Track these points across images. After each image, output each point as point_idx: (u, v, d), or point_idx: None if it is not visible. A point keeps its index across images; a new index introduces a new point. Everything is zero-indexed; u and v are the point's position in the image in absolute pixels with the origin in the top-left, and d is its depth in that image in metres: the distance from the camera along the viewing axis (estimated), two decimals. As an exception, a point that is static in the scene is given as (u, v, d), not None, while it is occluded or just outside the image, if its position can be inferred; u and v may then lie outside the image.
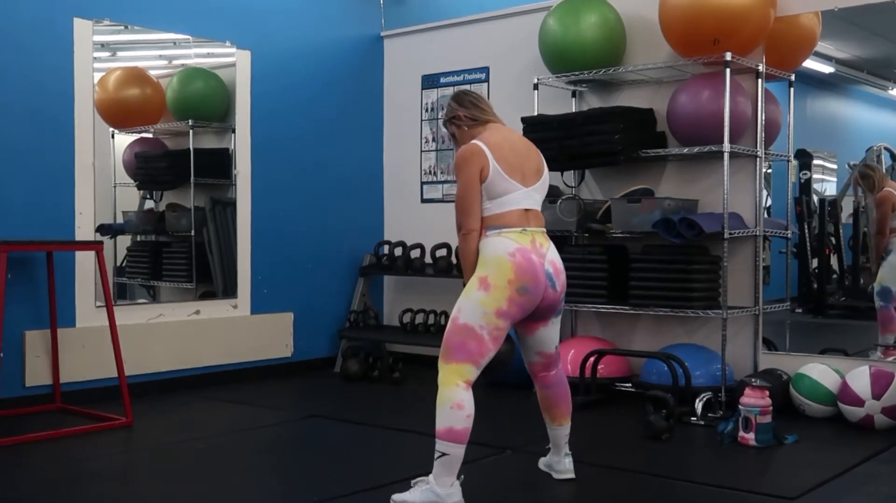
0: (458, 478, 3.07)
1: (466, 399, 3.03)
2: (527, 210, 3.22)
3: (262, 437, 4.33)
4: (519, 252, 3.11)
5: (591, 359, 4.86)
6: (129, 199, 5.47)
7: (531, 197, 3.25)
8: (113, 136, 5.23)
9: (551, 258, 3.22)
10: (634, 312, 5.08)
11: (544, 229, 3.27)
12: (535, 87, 5.38)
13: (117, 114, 5.25)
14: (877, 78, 5.50)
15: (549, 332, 3.34)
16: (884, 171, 5.24)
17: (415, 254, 6.01)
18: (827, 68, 5.35)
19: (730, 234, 4.64)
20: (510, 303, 3.08)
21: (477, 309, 3.08)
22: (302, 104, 6.07)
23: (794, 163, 5.16)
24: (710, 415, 4.46)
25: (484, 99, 3.44)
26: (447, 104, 3.45)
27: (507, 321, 3.12)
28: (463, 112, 3.36)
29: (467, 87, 3.72)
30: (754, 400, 3.96)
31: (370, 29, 6.55)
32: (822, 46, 5.08)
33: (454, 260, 5.64)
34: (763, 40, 4.76)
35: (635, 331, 5.32)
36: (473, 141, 3.23)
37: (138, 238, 5.61)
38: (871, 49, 5.50)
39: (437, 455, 3.03)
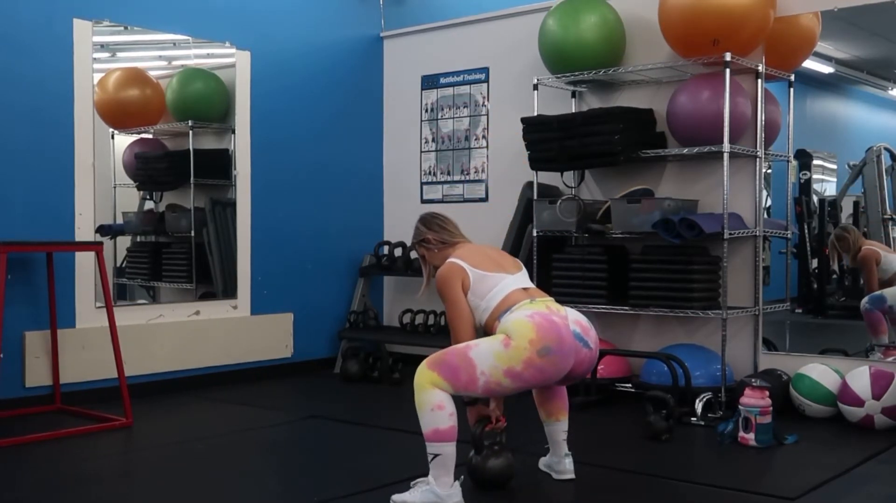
0: (458, 478, 3.07)
1: (444, 399, 3.03)
2: (525, 288, 3.28)
3: (261, 438, 4.33)
4: (537, 314, 3.10)
5: (591, 359, 4.86)
6: (129, 199, 5.47)
7: (521, 280, 3.31)
8: (113, 137, 5.23)
9: (575, 318, 3.21)
10: (634, 313, 5.08)
11: (552, 299, 3.29)
12: (535, 87, 5.38)
13: (117, 114, 5.25)
14: (877, 78, 5.50)
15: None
16: (858, 231, 5.25)
17: (415, 254, 6.01)
18: (827, 68, 5.35)
19: (730, 234, 4.64)
20: (526, 365, 3.02)
21: (490, 358, 3.04)
22: (302, 105, 6.07)
23: (793, 163, 5.16)
24: (710, 415, 4.46)
25: (451, 221, 3.54)
26: (415, 227, 3.54)
27: (517, 384, 3.06)
28: (432, 235, 3.47)
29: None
30: (754, 400, 3.96)
31: (370, 29, 6.56)
32: (822, 47, 5.08)
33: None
34: (763, 41, 4.76)
35: (635, 331, 5.32)
36: (449, 259, 3.32)
37: (138, 239, 5.61)
38: (870, 49, 5.50)
39: (430, 457, 3.04)
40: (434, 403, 3.02)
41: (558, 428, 3.44)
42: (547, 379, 3.11)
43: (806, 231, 5.31)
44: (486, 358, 3.04)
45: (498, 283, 3.24)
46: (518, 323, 3.08)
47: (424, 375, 3.06)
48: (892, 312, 4.92)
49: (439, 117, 6.31)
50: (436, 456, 3.02)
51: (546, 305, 3.18)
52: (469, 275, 3.25)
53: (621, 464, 3.70)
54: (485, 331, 3.27)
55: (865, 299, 4.99)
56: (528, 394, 3.48)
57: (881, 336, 4.90)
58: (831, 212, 5.41)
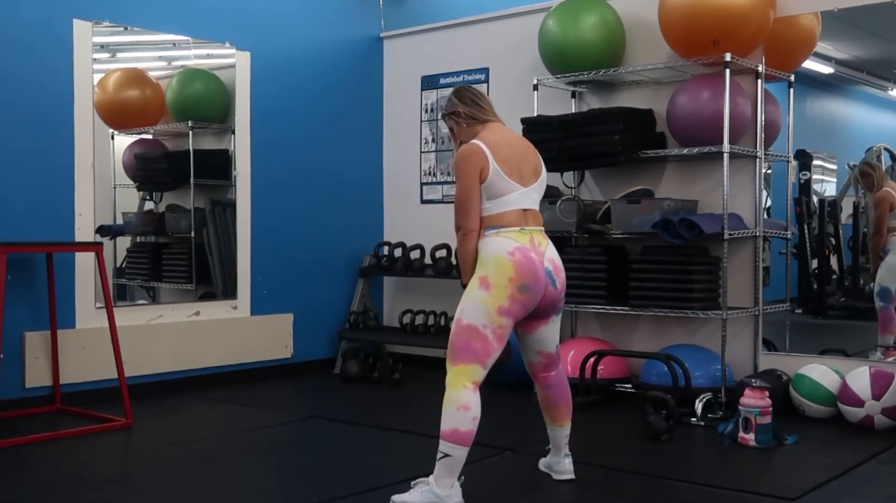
0: (459, 479, 3.07)
1: (473, 401, 3.03)
2: (525, 210, 3.23)
3: (261, 438, 4.33)
4: (518, 251, 3.12)
5: (591, 359, 4.86)
6: (129, 200, 5.47)
7: (529, 197, 3.26)
8: (113, 138, 5.23)
9: (550, 256, 3.22)
10: (634, 313, 5.08)
11: (542, 228, 3.28)
12: (535, 87, 5.39)
13: (117, 115, 5.25)
14: (876, 78, 5.50)
15: (550, 331, 3.34)
16: (884, 169, 5.23)
17: (415, 254, 6.01)
18: (826, 69, 5.35)
19: (729, 234, 4.64)
20: (511, 300, 3.09)
21: (479, 308, 3.08)
22: (302, 105, 6.07)
23: (793, 163, 5.16)
24: (709, 415, 4.46)
25: (485, 97, 3.42)
26: (448, 98, 3.44)
27: (510, 319, 3.12)
28: (463, 109, 3.35)
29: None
30: (754, 400, 3.96)
31: (370, 30, 6.56)
32: (822, 47, 5.08)
33: (454, 261, 5.64)
34: (763, 41, 4.76)
35: (635, 331, 5.32)
36: (473, 140, 3.24)
37: (138, 239, 5.61)
38: (870, 49, 5.50)
39: (439, 456, 3.03)
40: (461, 402, 3.02)
41: (561, 433, 3.44)
42: (526, 310, 3.17)
43: (806, 231, 5.31)
44: (476, 312, 3.08)
45: (505, 194, 3.19)
46: (498, 260, 3.10)
47: (453, 373, 3.08)
48: None
49: (439, 118, 6.30)
50: (446, 456, 3.02)
51: (531, 237, 3.18)
52: (489, 167, 3.17)
53: (621, 465, 3.70)
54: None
55: (877, 298, 4.97)
56: (528, 397, 3.47)
57: (888, 336, 4.90)
58: (831, 212, 5.41)
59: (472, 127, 3.32)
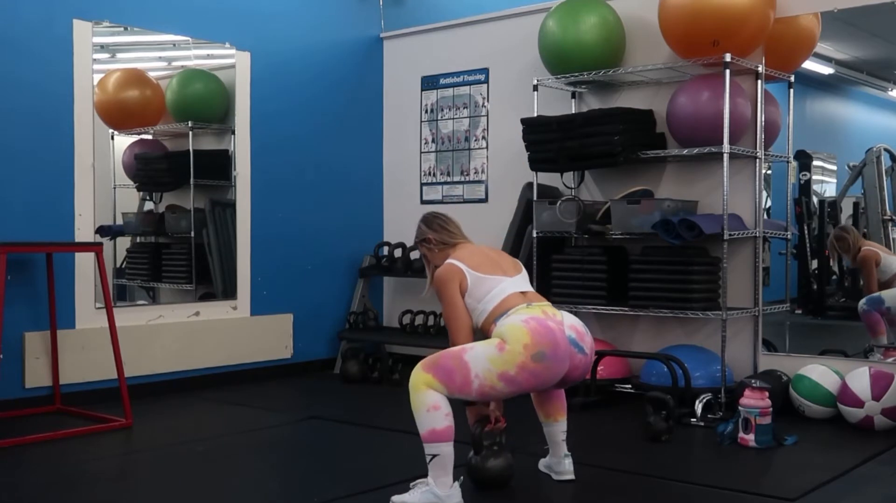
0: (458, 479, 3.07)
1: (440, 399, 3.04)
2: (523, 292, 3.29)
3: (261, 439, 4.33)
4: (533, 319, 3.11)
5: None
6: (129, 200, 5.47)
7: (519, 284, 3.32)
8: (112, 138, 5.23)
9: (571, 323, 3.22)
10: (634, 314, 5.08)
11: (549, 303, 3.29)
12: (535, 88, 5.39)
13: (117, 115, 5.25)
14: (876, 79, 5.50)
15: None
16: (858, 232, 5.25)
17: (414, 255, 6.01)
18: (826, 69, 5.35)
19: (729, 235, 4.64)
20: (520, 370, 3.04)
21: (484, 362, 3.05)
22: (301, 105, 6.07)
23: (793, 164, 5.16)
24: (709, 416, 4.46)
25: (452, 221, 3.55)
26: (417, 227, 3.56)
27: (511, 388, 3.07)
28: (433, 235, 3.48)
29: (435, 209, 3.71)
30: (754, 401, 3.96)
31: (369, 30, 6.56)
32: (822, 47, 5.08)
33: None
34: (763, 41, 4.76)
35: (635, 332, 5.32)
36: (448, 260, 3.33)
37: (138, 239, 5.61)
38: (870, 50, 5.50)
39: (428, 458, 3.04)
40: (429, 404, 3.02)
41: (557, 428, 3.44)
42: (541, 383, 3.12)
43: (806, 232, 5.31)
44: (480, 361, 3.05)
45: (496, 287, 3.25)
46: (513, 327, 3.08)
47: (419, 377, 3.07)
48: (890, 314, 4.92)
49: (439, 118, 6.31)
50: (434, 456, 3.03)
51: (542, 310, 3.19)
52: (467, 277, 3.26)
53: (621, 465, 3.70)
54: (481, 333, 3.28)
55: (863, 300, 4.99)
56: (527, 396, 3.48)
57: (880, 337, 4.90)
58: (831, 213, 5.41)
59: (443, 251, 3.44)
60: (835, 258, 5.33)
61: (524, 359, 3.03)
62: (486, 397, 3.14)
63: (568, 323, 3.20)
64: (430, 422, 3.02)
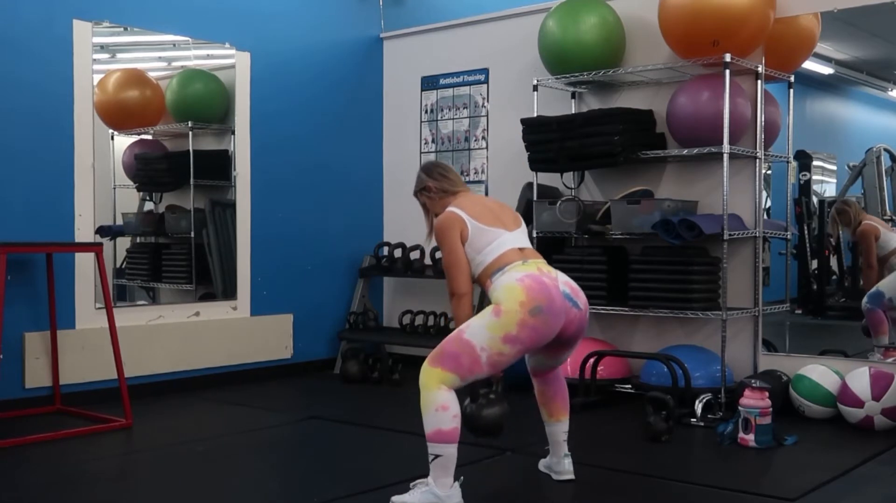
0: (458, 479, 3.07)
1: (450, 399, 3.03)
2: (521, 248, 3.27)
3: (261, 439, 4.33)
4: (527, 277, 3.11)
5: (591, 360, 4.86)
6: (129, 200, 5.47)
7: (519, 239, 3.31)
8: (112, 138, 5.23)
9: (564, 279, 3.22)
10: (634, 314, 5.08)
11: (545, 261, 3.29)
12: (535, 88, 5.39)
13: (117, 115, 5.25)
14: (876, 79, 5.50)
15: (571, 351, 3.37)
16: (860, 205, 5.26)
17: (414, 255, 6.01)
18: (826, 69, 5.36)
19: (729, 235, 4.64)
20: (521, 327, 3.04)
21: (484, 332, 3.05)
22: (301, 106, 6.07)
23: (793, 164, 5.16)
24: (709, 416, 4.46)
25: (452, 170, 3.54)
26: (417, 176, 3.54)
27: (517, 348, 3.07)
28: (433, 184, 3.46)
29: (433, 158, 3.71)
30: (754, 401, 3.96)
31: (369, 30, 6.56)
32: (822, 48, 5.08)
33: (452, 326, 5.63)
34: (762, 41, 4.76)
35: (635, 332, 5.32)
36: (448, 208, 3.32)
37: (138, 240, 5.61)
38: (870, 50, 5.50)
39: (430, 458, 3.04)
40: (439, 403, 3.02)
41: (559, 428, 3.45)
42: (541, 338, 3.10)
43: (805, 232, 5.31)
44: (480, 333, 3.05)
45: (495, 239, 3.24)
46: (508, 288, 3.09)
47: (429, 374, 3.06)
48: (892, 304, 4.91)
49: (439, 118, 6.31)
50: (437, 457, 3.02)
51: (537, 267, 3.19)
52: (468, 226, 3.24)
53: (621, 465, 3.70)
54: (477, 283, 3.29)
55: (865, 299, 4.99)
56: (529, 396, 3.48)
57: (882, 336, 4.90)
58: (831, 213, 5.41)
59: (443, 199, 3.42)
60: (836, 231, 5.31)
61: (523, 316, 3.03)
62: (498, 367, 3.11)
63: (562, 279, 3.21)
64: (437, 423, 3.01)
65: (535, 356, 3.38)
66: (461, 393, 3.10)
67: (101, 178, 5.05)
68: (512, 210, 3.46)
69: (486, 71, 6.09)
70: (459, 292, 3.23)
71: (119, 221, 5.31)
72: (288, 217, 5.98)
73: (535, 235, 5.30)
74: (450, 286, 3.26)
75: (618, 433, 4.33)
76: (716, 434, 4.11)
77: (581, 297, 3.23)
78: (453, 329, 3.21)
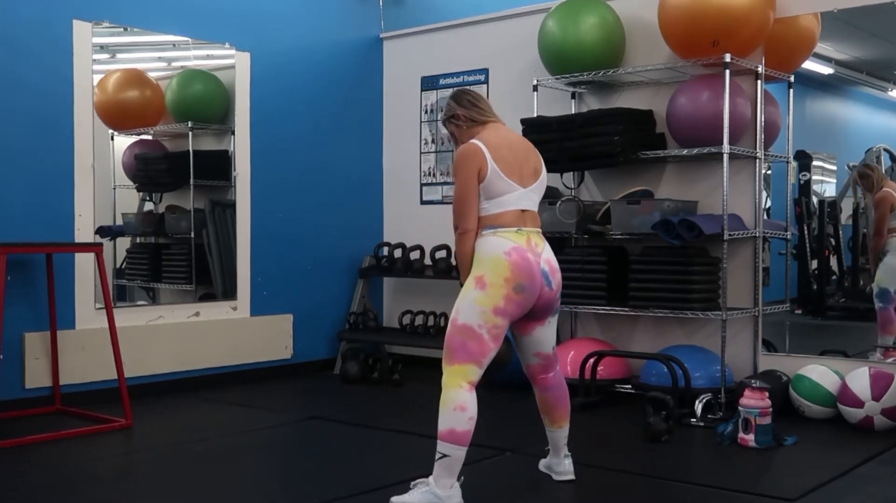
0: (458, 479, 3.07)
1: (469, 401, 3.03)
2: (523, 211, 3.23)
3: (261, 439, 4.33)
4: (515, 251, 3.12)
5: (591, 360, 4.86)
6: (129, 200, 5.47)
7: (528, 197, 3.26)
8: (112, 138, 5.23)
9: (546, 257, 3.22)
10: (634, 314, 5.08)
11: (539, 230, 3.28)
12: (535, 88, 5.39)
13: (117, 116, 5.25)
14: (876, 79, 5.50)
15: (546, 332, 3.34)
16: (883, 171, 5.23)
17: (414, 255, 6.01)
18: (826, 69, 5.36)
19: (729, 235, 4.64)
20: (507, 300, 3.09)
21: (474, 308, 3.08)
22: (301, 106, 6.07)
23: (793, 164, 5.16)
24: (709, 416, 4.46)
25: (483, 98, 3.42)
26: (446, 103, 3.44)
27: (506, 319, 3.12)
28: (462, 111, 3.35)
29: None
30: (754, 401, 3.96)
31: (369, 31, 6.56)
32: (822, 48, 5.09)
33: (453, 261, 5.64)
34: (762, 42, 4.76)
35: (635, 332, 5.32)
36: (472, 140, 3.24)
37: (138, 240, 5.61)
38: (870, 50, 5.50)
39: (437, 456, 3.03)
40: (457, 403, 3.02)
41: (560, 434, 3.44)
42: (522, 310, 3.16)
43: (805, 232, 5.31)
44: (471, 312, 3.08)
45: (504, 194, 3.19)
46: (495, 260, 3.10)
47: (449, 373, 3.07)
48: None
49: (439, 118, 6.30)
50: (444, 456, 3.02)
51: (528, 238, 3.18)
52: (487, 166, 3.17)
53: (621, 466, 3.70)
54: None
55: (876, 299, 4.97)
56: (529, 395, 3.47)
57: (887, 336, 4.90)
58: (831, 213, 5.41)
59: (471, 129, 3.32)
60: (856, 193, 5.29)
61: (507, 292, 3.08)
62: (498, 340, 3.12)
63: (545, 257, 3.21)
64: (452, 422, 3.01)
65: (521, 347, 3.37)
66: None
67: (100, 179, 5.05)
68: (535, 157, 3.33)
69: (485, 71, 6.09)
70: (465, 227, 3.19)
71: (119, 222, 5.31)
72: (288, 217, 5.97)
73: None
74: (456, 220, 3.21)
75: (618, 433, 4.33)
76: (716, 434, 4.11)
77: (556, 277, 3.25)
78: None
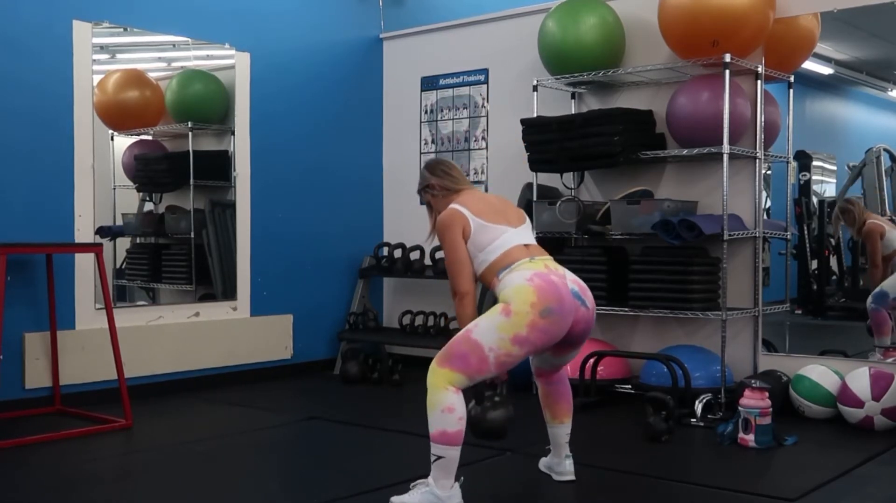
0: (458, 479, 3.07)
1: (457, 402, 3.02)
2: (527, 245, 3.26)
3: (261, 439, 4.33)
4: (537, 276, 3.09)
5: (591, 360, 4.86)
6: (129, 201, 5.47)
7: (523, 235, 3.30)
8: (112, 139, 5.23)
9: (573, 277, 3.22)
10: (634, 314, 5.08)
11: (551, 258, 3.28)
12: (535, 88, 5.39)
13: (116, 116, 5.25)
14: (876, 79, 5.50)
15: (577, 352, 3.37)
16: (862, 204, 5.25)
17: (414, 255, 6.01)
18: (826, 70, 5.35)
19: (729, 235, 4.64)
20: (531, 328, 3.02)
21: (493, 332, 3.03)
22: (301, 106, 6.07)
23: (793, 164, 5.16)
24: (709, 416, 4.46)
25: (456, 167, 3.50)
26: (420, 173, 3.51)
27: (525, 349, 3.06)
28: (436, 181, 3.43)
29: (437, 156, 3.80)
30: (754, 401, 3.96)
31: (369, 31, 6.56)
32: (822, 48, 5.08)
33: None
34: (762, 42, 4.76)
35: (635, 332, 5.32)
36: (451, 205, 3.30)
37: (138, 240, 5.61)
38: (870, 50, 5.50)
39: (433, 458, 3.03)
40: (445, 405, 3.01)
41: (562, 430, 3.45)
42: (551, 339, 3.09)
43: (805, 232, 5.31)
44: (489, 334, 3.03)
45: (499, 237, 3.21)
46: (518, 288, 3.06)
47: (437, 375, 3.05)
48: None
49: (439, 118, 6.31)
50: (439, 458, 3.02)
51: (545, 264, 3.17)
52: (470, 223, 3.22)
53: (621, 466, 3.70)
54: (481, 282, 3.27)
55: (870, 299, 4.98)
56: (531, 396, 3.48)
57: (884, 337, 4.90)
58: (831, 213, 5.41)
59: (447, 197, 3.39)
60: (838, 230, 5.30)
61: (533, 318, 3.01)
62: (505, 367, 3.11)
63: (570, 277, 3.20)
64: (442, 424, 3.01)
65: (540, 355, 3.37)
66: (466, 395, 3.10)
67: (100, 179, 5.05)
68: (515, 208, 3.43)
69: (485, 71, 6.09)
70: (462, 291, 3.20)
71: (119, 222, 5.31)
72: (288, 217, 5.98)
73: (535, 236, 5.29)
74: (452, 285, 3.24)
75: (618, 433, 4.33)
76: (716, 434, 4.11)
77: (588, 296, 3.23)
78: (454, 329, 3.20)
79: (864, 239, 5.19)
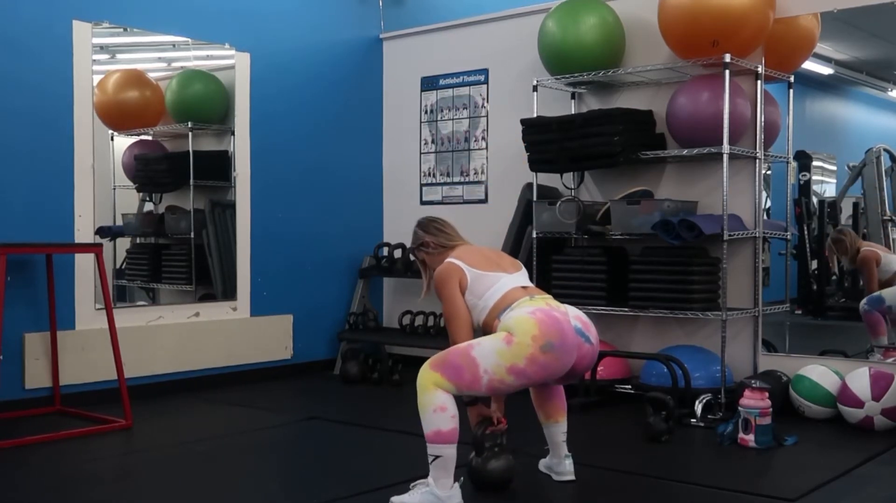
0: (458, 480, 3.07)
1: (447, 401, 3.02)
2: (524, 287, 3.28)
3: (261, 440, 4.33)
4: (539, 311, 3.10)
5: (591, 360, 4.86)
6: (129, 201, 5.47)
7: (520, 279, 3.32)
8: (112, 139, 5.23)
9: (576, 313, 3.21)
10: (634, 314, 5.08)
11: (551, 297, 3.29)
12: (535, 88, 5.39)
13: (116, 116, 5.25)
14: (876, 79, 5.50)
15: (577, 379, 3.38)
16: (855, 233, 5.25)
17: (414, 258, 6.00)
18: (826, 70, 5.36)
19: (729, 235, 4.64)
20: (529, 362, 3.01)
21: (492, 356, 3.03)
22: (301, 106, 6.07)
23: (793, 164, 5.16)
24: (709, 416, 4.46)
25: (448, 224, 3.54)
26: (413, 232, 3.55)
27: (521, 381, 3.05)
28: (430, 238, 3.47)
29: (432, 212, 3.91)
30: (754, 401, 3.96)
31: (369, 31, 6.56)
32: (822, 48, 5.09)
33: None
34: (762, 42, 4.76)
35: (635, 332, 5.32)
36: (447, 259, 3.34)
37: (138, 240, 5.61)
38: (870, 50, 5.50)
39: (430, 459, 3.04)
40: (436, 405, 3.01)
41: (557, 429, 3.44)
42: (550, 375, 3.09)
43: (805, 232, 5.31)
44: (488, 356, 3.03)
45: (496, 282, 3.25)
46: (520, 319, 3.07)
47: (427, 376, 3.05)
48: (892, 313, 4.92)
49: (439, 118, 6.31)
50: (436, 457, 3.02)
51: (546, 302, 3.18)
52: (466, 275, 3.26)
53: (621, 466, 3.70)
54: (483, 330, 3.27)
55: (864, 301, 4.99)
56: (527, 395, 3.48)
57: (880, 337, 4.90)
58: (831, 213, 5.41)
59: (441, 254, 3.42)
60: (833, 261, 5.33)
61: (533, 351, 3.01)
62: (496, 392, 3.14)
63: (573, 314, 3.19)
64: (436, 423, 3.01)
65: None
66: (464, 451, 3.08)
67: (100, 179, 5.05)
68: (510, 257, 3.50)
69: (485, 71, 6.09)
70: (459, 342, 3.20)
71: (119, 222, 5.31)
72: (288, 217, 5.98)
73: (535, 236, 5.31)
74: (451, 337, 3.25)
75: (618, 433, 4.33)
76: (716, 434, 4.11)
77: (592, 331, 3.22)
78: None
79: (859, 267, 5.19)
